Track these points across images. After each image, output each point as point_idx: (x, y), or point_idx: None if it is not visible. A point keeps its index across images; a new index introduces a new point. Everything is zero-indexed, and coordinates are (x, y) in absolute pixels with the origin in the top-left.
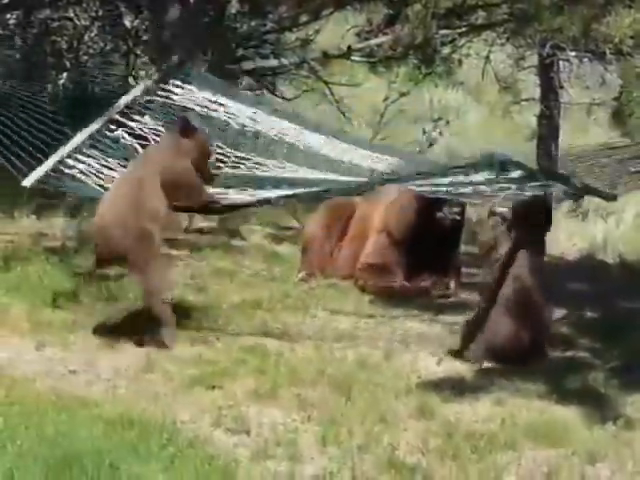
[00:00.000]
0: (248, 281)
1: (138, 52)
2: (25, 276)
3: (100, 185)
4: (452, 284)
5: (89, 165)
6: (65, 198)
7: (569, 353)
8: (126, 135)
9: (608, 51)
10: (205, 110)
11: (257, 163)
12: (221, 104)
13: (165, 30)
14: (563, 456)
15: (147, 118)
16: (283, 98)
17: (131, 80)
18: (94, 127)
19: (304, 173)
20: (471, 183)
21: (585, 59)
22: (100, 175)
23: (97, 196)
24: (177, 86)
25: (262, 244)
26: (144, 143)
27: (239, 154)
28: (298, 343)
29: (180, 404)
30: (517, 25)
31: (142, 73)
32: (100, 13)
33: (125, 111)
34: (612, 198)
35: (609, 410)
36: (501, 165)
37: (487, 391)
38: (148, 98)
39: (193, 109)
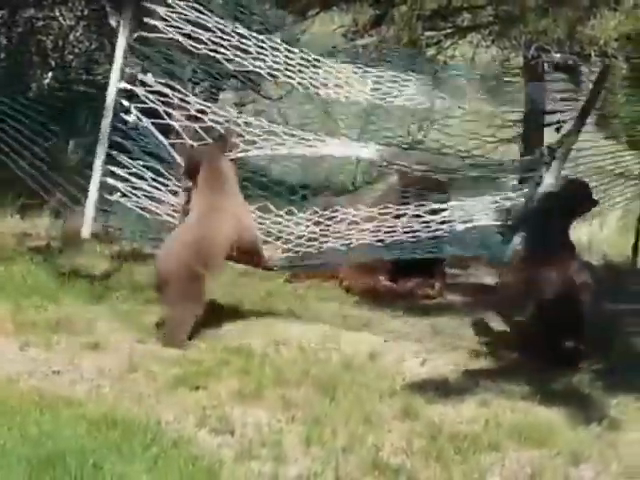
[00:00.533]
0: (233, 281)
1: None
2: (9, 276)
3: (147, 210)
4: (437, 285)
5: (125, 180)
6: (50, 198)
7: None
8: (140, 115)
9: (593, 53)
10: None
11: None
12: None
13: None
14: (547, 457)
15: (149, 76)
16: (268, 98)
17: None
18: (107, 117)
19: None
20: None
21: (570, 61)
22: (138, 192)
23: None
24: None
25: None
26: (159, 122)
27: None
28: (283, 344)
29: (164, 404)
30: (502, 27)
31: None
32: (85, 12)
33: (126, 77)
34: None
35: (593, 411)
36: None
37: (471, 392)
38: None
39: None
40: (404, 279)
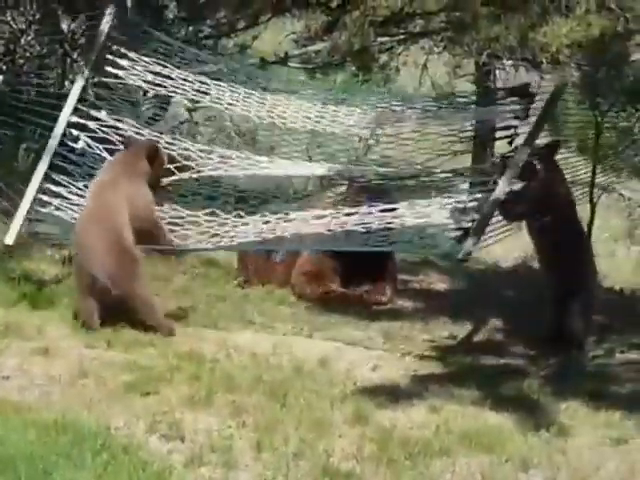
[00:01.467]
0: (184, 286)
1: (75, 56)
2: None
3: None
4: (388, 291)
5: (62, 197)
6: None
7: (503, 360)
8: (90, 141)
9: (545, 60)
10: (153, 87)
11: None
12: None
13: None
14: (497, 463)
15: (103, 113)
16: (220, 104)
17: (67, 84)
18: (53, 142)
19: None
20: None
21: (521, 68)
22: (74, 207)
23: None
24: (121, 56)
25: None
26: (110, 147)
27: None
28: (234, 349)
29: (114, 410)
30: (454, 33)
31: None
32: (37, 16)
33: (79, 108)
34: None
35: (543, 417)
36: None
37: (422, 398)
38: (95, 90)
39: (141, 87)
40: (355, 285)
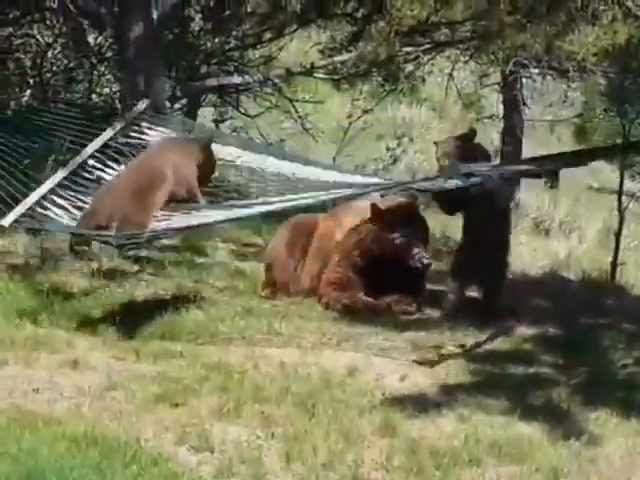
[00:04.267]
0: (212, 298)
1: (102, 69)
2: None
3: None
4: (416, 300)
5: (64, 208)
6: None
7: (532, 369)
8: (104, 175)
9: (571, 68)
10: None
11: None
12: None
13: (129, 47)
14: (526, 473)
15: (122, 167)
16: (247, 115)
17: (94, 97)
18: (70, 168)
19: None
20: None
21: (548, 76)
22: (75, 215)
23: (70, 231)
24: (149, 128)
25: (226, 261)
26: None
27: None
28: (262, 360)
29: (143, 422)
30: (480, 42)
31: (105, 90)
32: (63, 30)
33: (98, 155)
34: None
35: (572, 426)
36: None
37: (450, 407)
38: (123, 141)
39: None
40: (383, 294)
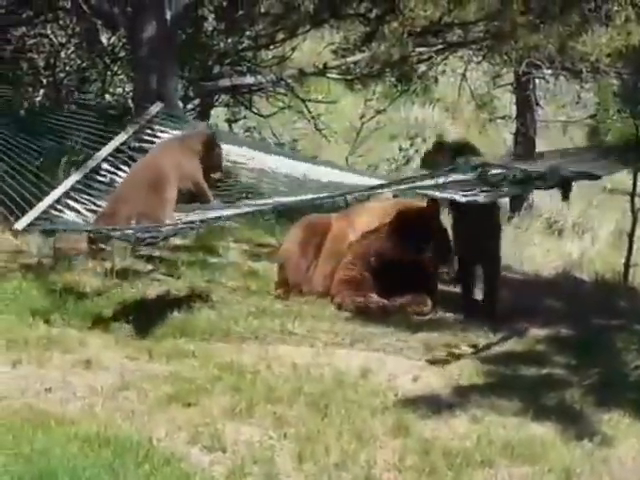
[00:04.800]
0: (224, 298)
1: (115, 69)
2: (1, 293)
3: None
4: (429, 301)
5: (78, 212)
6: None
7: (545, 370)
8: (117, 178)
9: (584, 69)
10: None
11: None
12: None
13: (142, 47)
14: (539, 473)
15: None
16: (260, 115)
17: (108, 97)
18: (84, 171)
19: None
20: (454, 182)
21: (561, 77)
22: (88, 218)
23: (89, 229)
24: (161, 131)
25: (239, 261)
26: None
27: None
28: (274, 360)
29: (156, 422)
30: (493, 43)
31: (118, 90)
32: (77, 30)
33: (111, 159)
34: (596, 177)
35: (585, 427)
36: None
37: (463, 408)
38: (136, 144)
39: None
40: (396, 295)
